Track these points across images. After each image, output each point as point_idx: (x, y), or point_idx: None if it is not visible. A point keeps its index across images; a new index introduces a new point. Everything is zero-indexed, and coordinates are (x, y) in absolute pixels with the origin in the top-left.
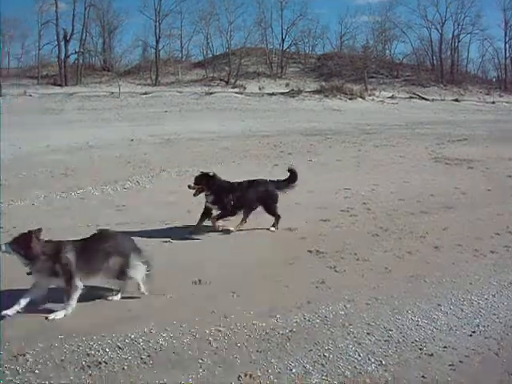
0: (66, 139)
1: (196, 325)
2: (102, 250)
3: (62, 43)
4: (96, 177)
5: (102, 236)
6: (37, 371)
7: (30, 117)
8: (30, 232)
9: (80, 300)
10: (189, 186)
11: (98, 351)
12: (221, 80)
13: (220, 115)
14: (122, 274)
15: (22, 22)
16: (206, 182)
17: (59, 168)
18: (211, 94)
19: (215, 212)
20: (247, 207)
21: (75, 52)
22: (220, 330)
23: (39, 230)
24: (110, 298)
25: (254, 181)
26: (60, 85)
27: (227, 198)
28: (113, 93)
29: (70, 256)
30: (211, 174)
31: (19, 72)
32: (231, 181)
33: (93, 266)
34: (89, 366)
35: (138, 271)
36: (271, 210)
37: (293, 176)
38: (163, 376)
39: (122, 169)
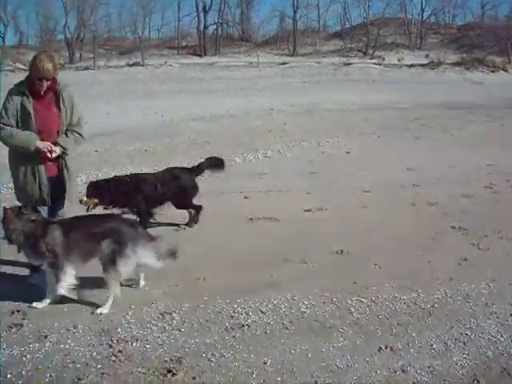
0: (207, 108)
1: (337, 294)
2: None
3: (201, 14)
4: (238, 145)
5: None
6: (182, 329)
7: (171, 86)
8: (5, 208)
9: (222, 264)
10: (80, 202)
11: (242, 314)
12: (358, 51)
13: (358, 86)
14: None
15: None
16: (100, 193)
17: (201, 136)
18: (349, 64)
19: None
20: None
21: (214, 23)
22: (362, 301)
23: (23, 206)
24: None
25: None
26: (199, 55)
27: (136, 199)
28: (251, 63)
29: (57, 236)
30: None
31: (159, 43)
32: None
33: (82, 249)
34: (232, 328)
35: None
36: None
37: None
38: (305, 343)
39: (262, 138)
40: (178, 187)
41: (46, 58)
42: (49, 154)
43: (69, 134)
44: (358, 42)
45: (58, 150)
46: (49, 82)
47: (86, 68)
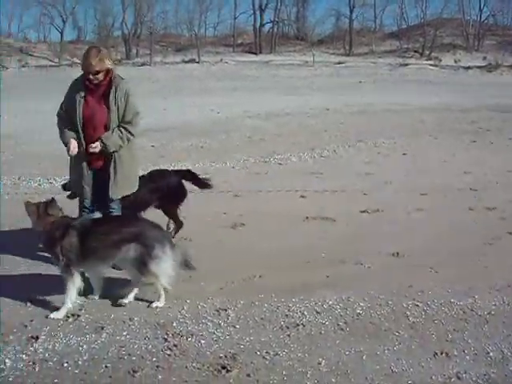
0: (263, 106)
1: (393, 297)
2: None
3: (258, 12)
4: (293, 143)
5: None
6: (237, 326)
7: (227, 83)
8: (27, 203)
9: (277, 262)
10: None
11: (296, 313)
12: (415, 51)
13: (414, 87)
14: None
15: None
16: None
17: (257, 133)
18: (405, 65)
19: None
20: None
21: (270, 21)
22: (417, 305)
23: (51, 201)
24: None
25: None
26: (255, 53)
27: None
28: (307, 62)
29: (73, 241)
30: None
31: (215, 40)
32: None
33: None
34: (287, 327)
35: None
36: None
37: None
38: (359, 345)
39: (318, 137)
40: (161, 190)
41: (91, 53)
42: (90, 149)
43: (116, 129)
44: (414, 42)
45: (98, 146)
46: (99, 76)
47: (143, 64)
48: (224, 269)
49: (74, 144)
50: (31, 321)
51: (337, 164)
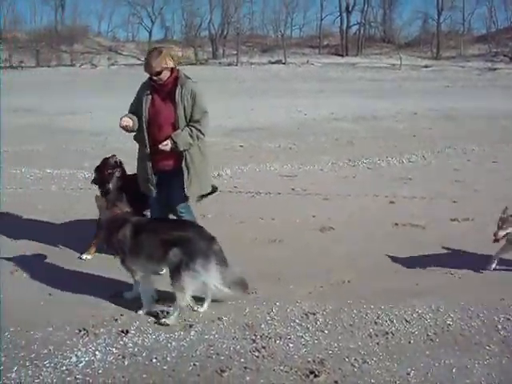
0: (349, 108)
1: (484, 309)
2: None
3: (344, 14)
4: (381, 147)
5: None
6: (326, 331)
7: (313, 85)
8: (97, 196)
9: (366, 268)
10: None
11: (386, 321)
12: (505, 56)
13: (504, 93)
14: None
15: None
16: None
17: (344, 136)
18: (494, 70)
19: None
20: None
21: (356, 23)
22: (509, 319)
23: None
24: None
25: None
26: (341, 55)
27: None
28: (393, 65)
29: (127, 235)
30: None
31: (301, 41)
32: None
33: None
34: (376, 335)
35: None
36: None
37: None
38: (449, 357)
39: (406, 141)
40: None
41: (151, 54)
42: (161, 147)
43: (186, 128)
44: (504, 46)
45: (168, 144)
46: (161, 76)
47: (229, 64)
48: (312, 272)
49: (124, 118)
50: (121, 315)
51: (426, 170)
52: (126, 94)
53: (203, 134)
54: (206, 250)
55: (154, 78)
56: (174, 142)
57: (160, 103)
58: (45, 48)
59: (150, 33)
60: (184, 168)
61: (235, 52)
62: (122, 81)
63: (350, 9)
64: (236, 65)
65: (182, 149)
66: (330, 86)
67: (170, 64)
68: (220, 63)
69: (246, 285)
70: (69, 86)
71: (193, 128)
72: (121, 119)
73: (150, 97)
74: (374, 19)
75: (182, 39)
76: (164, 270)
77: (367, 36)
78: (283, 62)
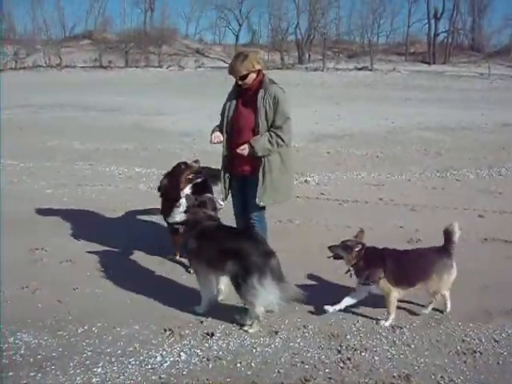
0: (437, 118)
1: None
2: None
3: (432, 21)
4: (470, 159)
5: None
6: (412, 346)
7: (399, 93)
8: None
9: (458, 283)
10: None
11: (474, 340)
12: None
13: None
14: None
15: None
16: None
17: (432, 146)
18: None
19: None
20: None
21: (445, 30)
22: None
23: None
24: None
25: None
26: (428, 63)
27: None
28: (482, 74)
29: (192, 241)
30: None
31: (387, 48)
32: None
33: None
34: (464, 353)
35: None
36: None
37: None
38: None
39: (496, 154)
40: None
41: (236, 57)
42: (238, 151)
43: (266, 133)
44: None
45: (246, 149)
46: (246, 81)
47: (315, 69)
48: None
49: (215, 134)
50: (207, 317)
51: None
52: (213, 96)
53: (284, 141)
54: (261, 265)
55: (240, 82)
56: (252, 147)
57: (242, 107)
58: (134, 49)
59: (237, 36)
60: (260, 175)
61: (321, 57)
62: (208, 83)
63: (439, 16)
64: (322, 70)
65: (259, 154)
66: (416, 94)
67: (257, 67)
68: (306, 68)
69: (297, 296)
70: (157, 87)
71: (273, 134)
72: (211, 135)
73: (234, 101)
74: (463, 27)
75: (268, 43)
76: None
77: (455, 44)
78: (369, 68)
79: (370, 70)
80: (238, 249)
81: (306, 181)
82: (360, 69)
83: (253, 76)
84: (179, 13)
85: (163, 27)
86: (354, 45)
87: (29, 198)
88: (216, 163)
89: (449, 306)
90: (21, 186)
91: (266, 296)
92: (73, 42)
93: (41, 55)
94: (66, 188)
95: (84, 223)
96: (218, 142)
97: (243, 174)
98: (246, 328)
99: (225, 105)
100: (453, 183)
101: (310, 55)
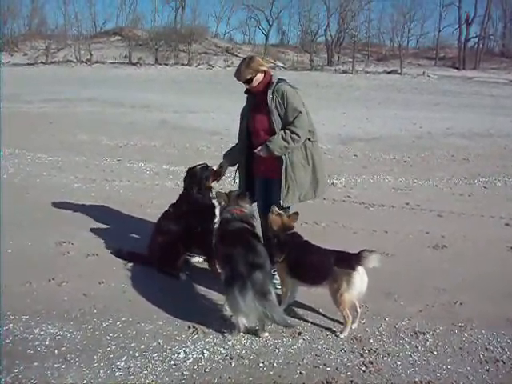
0: (465, 123)
1: None
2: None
3: (463, 26)
4: (499, 167)
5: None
6: (435, 353)
7: (428, 97)
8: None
9: (480, 291)
10: None
11: (497, 348)
12: None
13: None
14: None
15: (424, 3)
16: None
17: (460, 152)
18: None
19: None
20: None
21: (475, 36)
22: None
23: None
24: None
25: None
26: (458, 68)
27: None
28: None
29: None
30: None
31: (416, 52)
32: None
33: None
34: (486, 361)
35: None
36: None
37: None
38: None
39: None
40: None
41: (242, 61)
42: (256, 152)
43: (280, 132)
44: None
45: (263, 149)
46: (252, 84)
47: (344, 72)
48: (424, 290)
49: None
50: (231, 315)
51: None
52: (241, 95)
53: (299, 136)
54: (244, 276)
55: (246, 86)
56: (267, 147)
57: (255, 110)
58: (163, 46)
59: (267, 36)
60: (283, 176)
61: (350, 59)
62: (237, 83)
63: (470, 21)
64: (351, 73)
65: (277, 154)
66: (445, 100)
67: (262, 68)
68: (335, 70)
69: (289, 326)
70: (185, 84)
71: (287, 131)
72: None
73: (248, 105)
74: (494, 32)
75: (297, 44)
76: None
77: (485, 49)
78: (399, 72)
79: (399, 74)
80: (230, 255)
81: (332, 183)
82: (389, 72)
83: (259, 78)
84: (210, 12)
85: (193, 25)
86: (383, 48)
87: (57, 191)
88: None
89: (348, 321)
90: (49, 179)
91: (246, 310)
92: (103, 38)
93: (71, 50)
94: (93, 183)
95: (110, 218)
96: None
97: (266, 176)
98: (225, 331)
99: (243, 109)
100: (480, 190)
101: (339, 57)
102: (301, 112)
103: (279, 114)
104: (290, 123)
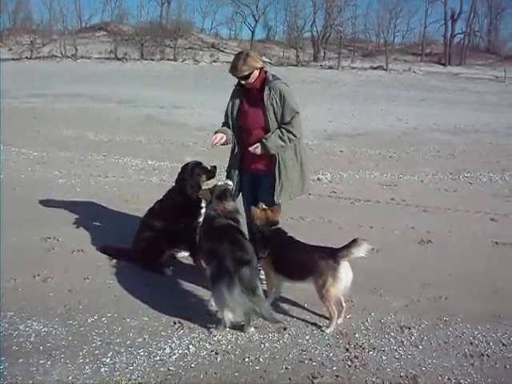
0: (451, 119)
1: None
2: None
3: (449, 22)
4: (484, 162)
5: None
6: (420, 347)
7: (414, 93)
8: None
9: (464, 286)
10: None
11: (482, 342)
12: None
13: None
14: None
15: None
16: None
17: (446, 148)
18: None
19: None
20: None
21: (461, 32)
22: None
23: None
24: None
25: None
26: (443, 64)
27: None
28: (498, 77)
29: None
30: None
31: (402, 48)
32: None
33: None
34: (471, 355)
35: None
36: None
37: None
38: None
39: (509, 157)
40: None
41: (236, 56)
42: (251, 150)
43: (276, 131)
44: None
45: (258, 147)
46: (248, 80)
47: (330, 67)
48: (409, 285)
49: (216, 135)
50: (217, 311)
51: None
52: (228, 91)
53: (295, 136)
54: (232, 272)
55: (242, 81)
56: (264, 145)
57: (248, 106)
58: (149, 42)
59: (253, 32)
60: (276, 173)
61: (336, 55)
62: (223, 78)
63: (456, 17)
64: (337, 68)
65: (273, 152)
66: (431, 96)
67: (258, 65)
68: (321, 66)
69: (276, 321)
70: (171, 80)
71: (284, 130)
72: (213, 136)
73: (238, 100)
74: (480, 29)
75: (283, 40)
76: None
77: (471, 46)
78: (385, 68)
79: (385, 70)
80: (216, 251)
81: (318, 179)
82: (375, 68)
83: (255, 74)
84: (196, 7)
85: (179, 21)
86: (369, 44)
87: (42, 187)
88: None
89: (333, 316)
90: (34, 175)
91: (232, 305)
92: (89, 33)
93: (57, 45)
94: (78, 178)
95: (96, 214)
96: (219, 144)
97: (256, 173)
98: (210, 326)
99: (228, 104)
100: (465, 186)
101: (325, 53)
102: (298, 112)
103: (274, 112)
104: (287, 123)
